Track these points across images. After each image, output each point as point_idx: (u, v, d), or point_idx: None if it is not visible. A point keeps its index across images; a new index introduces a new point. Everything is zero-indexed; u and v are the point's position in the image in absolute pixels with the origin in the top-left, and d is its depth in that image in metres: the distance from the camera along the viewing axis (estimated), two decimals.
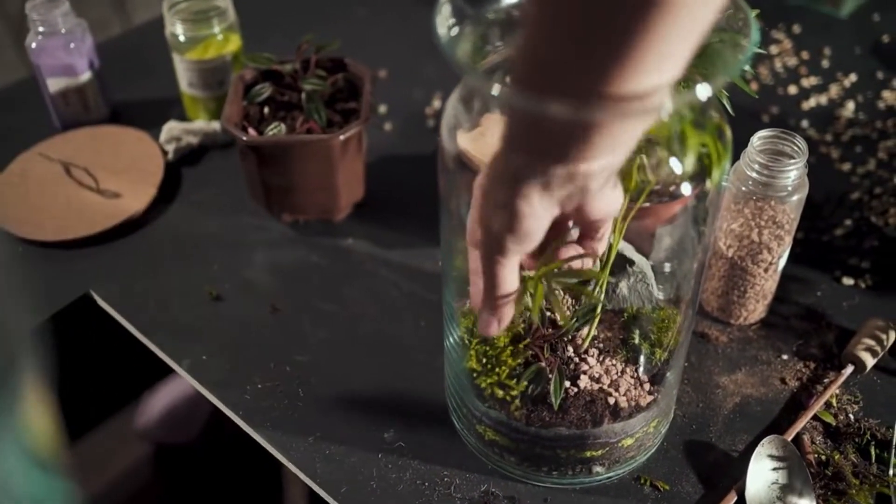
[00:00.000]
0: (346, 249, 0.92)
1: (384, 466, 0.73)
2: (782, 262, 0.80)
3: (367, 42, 1.23)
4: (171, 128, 1.02)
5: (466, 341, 0.71)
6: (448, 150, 0.62)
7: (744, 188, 0.76)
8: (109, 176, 0.97)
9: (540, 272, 0.62)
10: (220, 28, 1.01)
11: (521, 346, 0.70)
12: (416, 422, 0.77)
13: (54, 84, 1.01)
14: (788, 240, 0.78)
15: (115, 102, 1.10)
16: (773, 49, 1.19)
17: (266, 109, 0.92)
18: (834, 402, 0.77)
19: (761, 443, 0.72)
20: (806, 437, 0.74)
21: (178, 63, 1.02)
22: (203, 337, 0.84)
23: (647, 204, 0.73)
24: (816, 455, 0.73)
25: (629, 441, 0.70)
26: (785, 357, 0.81)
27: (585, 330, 0.70)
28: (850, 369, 0.78)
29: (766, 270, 0.79)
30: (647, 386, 0.70)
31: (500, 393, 0.68)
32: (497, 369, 0.69)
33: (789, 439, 0.73)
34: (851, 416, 0.76)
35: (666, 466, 0.73)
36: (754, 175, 0.74)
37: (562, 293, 0.76)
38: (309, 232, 0.94)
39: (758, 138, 0.75)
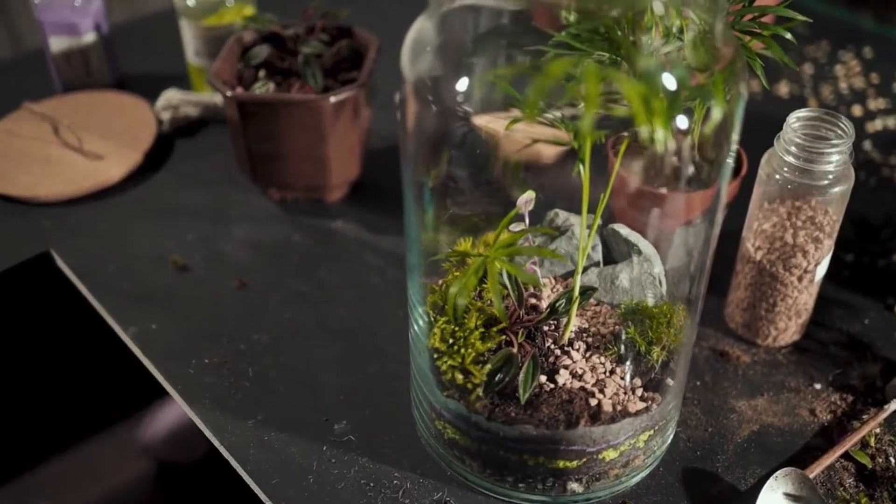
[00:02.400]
0: (332, 231, 0.84)
1: (327, 460, 0.63)
2: (820, 272, 0.68)
3: (399, 34, 1.16)
4: (169, 96, 0.96)
5: (432, 318, 0.61)
6: (409, 79, 0.53)
7: (778, 177, 0.65)
8: (96, 138, 0.91)
9: (492, 251, 0.53)
10: None
11: (493, 330, 0.59)
12: (373, 416, 0.66)
13: (56, 43, 0.97)
14: (828, 244, 0.67)
15: (124, 74, 1.04)
16: (839, 70, 1.07)
17: (262, 73, 0.85)
18: (872, 441, 0.64)
19: (775, 475, 0.59)
20: (832, 476, 0.61)
21: (185, 30, 0.96)
22: (158, 306, 0.76)
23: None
24: (846, 501, 0.60)
25: (612, 454, 0.58)
26: (818, 386, 0.69)
27: (571, 322, 0.60)
28: (895, 405, 0.65)
29: (799, 279, 0.67)
30: (639, 391, 0.58)
31: (460, 378, 0.58)
32: (462, 351, 0.59)
33: (811, 476, 0.60)
34: (892, 459, 0.63)
35: (658, 494, 0.61)
36: (790, 159, 0.63)
37: (553, 281, 0.65)
38: (296, 211, 0.86)
39: (795, 118, 0.64)
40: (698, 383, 0.69)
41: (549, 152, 0.82)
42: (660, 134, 0.44)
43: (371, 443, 0.64)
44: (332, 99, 0.77)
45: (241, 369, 0.70)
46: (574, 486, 0.59)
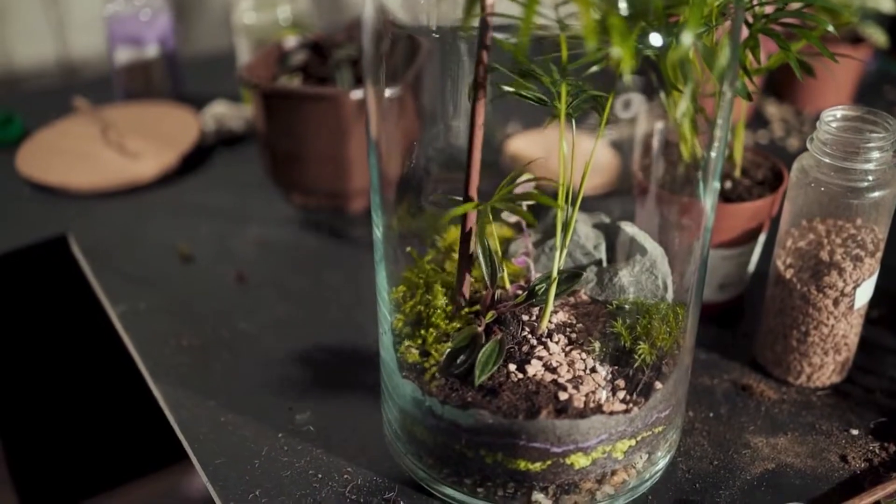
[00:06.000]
0: (347, 238, 0.80)
1: (279, 447, 0.58)
2: (861, 298, 0.59)
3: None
4: (216, 109, 0.96)
5: (402, 299, 0.56)
6: (371, 20, 0.49)
7: (811, 180, 0.57)
8: (138, 140, 0.92)
9: (493, 200, 0.49)
10: (286, 13, 0.96)
11: (464, 311, 0.54)
12: (341, 410, 0.61)
13: (121, 54, 1.00)
14: (871, 265, 0.58)
15: (186, 91, 1.06)
16: None
17: (298, 79, 0.84)
18: None
19: None
20: None
21: (241, 48, 0.97)
22: (153, 289, 0.73)
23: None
24: None
25: (582, 460, 0.50)
26: (855, 433, 0.59)
27: (549, 307, 0.53)
28: None
29: (835, 303, 0.59)
30: (621, 393, 0.51)
31: (415, 354, 0.52)
32: (422, 332, 0.53)
33: None
34: None
35: None
36: (825, 159, 0.56)
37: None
38: (316, 218, 0.83)
39: (831, 115, 0.57)
40: (711, 415, 0.60)
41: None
42: (616, 52, 0.39)
43: (331, 435, 0.59)
44: (355, 95, 0.75)
45: (217, 353, 0.66)
46: (539, 496, 0.51)
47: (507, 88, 0.49)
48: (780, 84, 1.04)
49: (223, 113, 0.96)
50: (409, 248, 0.57)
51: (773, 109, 1.02)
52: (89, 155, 0.90)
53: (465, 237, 0.51)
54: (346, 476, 0.55)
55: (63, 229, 0.82)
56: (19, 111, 1.00)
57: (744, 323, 0.69)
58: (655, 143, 0.69)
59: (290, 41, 0.86)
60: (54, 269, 0.83)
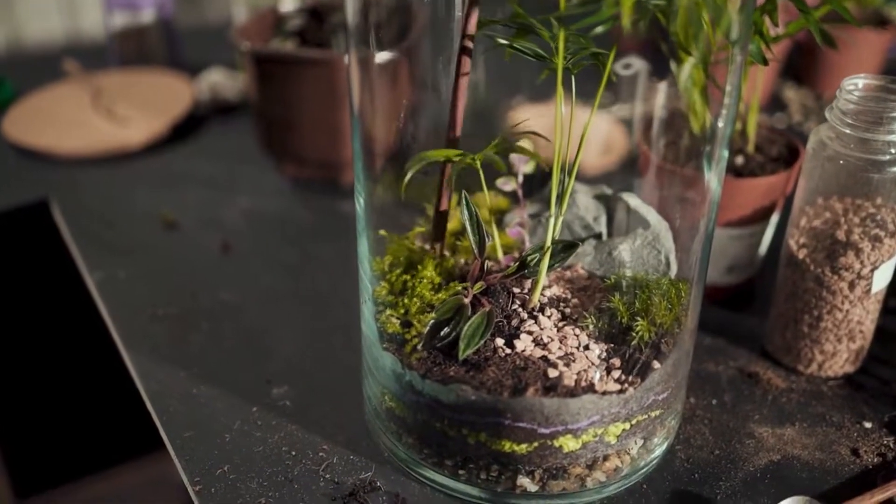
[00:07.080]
0: (338, 211, 0.77)
1: (252, 422, 0.54)
2: (879, 281, 0.55)
3: None
4: (211, 77, 0.93)
5: (386, 267, 0.52)
6: None
7: (828, 151, 0.53)
8: (127, 107, 0.89)
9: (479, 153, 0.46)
10: None
11: (453, 284, 0.50)
12: (321, 386, 0.57)
13: (117, 19, 0.96)
14: (891, 246, 0.54)
15: (184, 60, 1.03)
16: None
17: (292, 43, 0.80)
18: None
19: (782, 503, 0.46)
20: None
21: (238, 13, 0.94)
22: (133, 256, 0.70)
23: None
24: None
25: (571, 443, 0.47)
26: (868, 426, 0.55)
27: (542, 279, 0.50)
28: None
29: (851, 286, 0.55)
30: (616, 373, 0.47)
31: (396, 325, 0.49)
32: (406, 301, 0.50)
33: None
34: None
35: None
36: (847, 131, 0.52)
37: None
38: (308, 189, 0.80)
39: (852, 84, 0.53)
40: (714, 402, 0.56)
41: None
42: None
43: (308, 412, 0.55)
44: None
45: (195, 324, 0.63)
46: (525, 481, 0.48)
47: (502, 41, 0.46)
48: (800, 67, 1.00)
49: (218, 81, 0.92)
50: (381, 231, 0.54)
51: (791, 94, 0.98)
52: (78, 120, 0.87)
53: (441, 188, 0.49)
54: (321, 454, 0.52)
55: (47, 194, 0.79)
56: (13, 76, 0.98)
57: (753, 308, 0.65)
58: (658, 110, 0.65)
59: (287, 5, 0.83)
60: (35, 234, 0.80)
